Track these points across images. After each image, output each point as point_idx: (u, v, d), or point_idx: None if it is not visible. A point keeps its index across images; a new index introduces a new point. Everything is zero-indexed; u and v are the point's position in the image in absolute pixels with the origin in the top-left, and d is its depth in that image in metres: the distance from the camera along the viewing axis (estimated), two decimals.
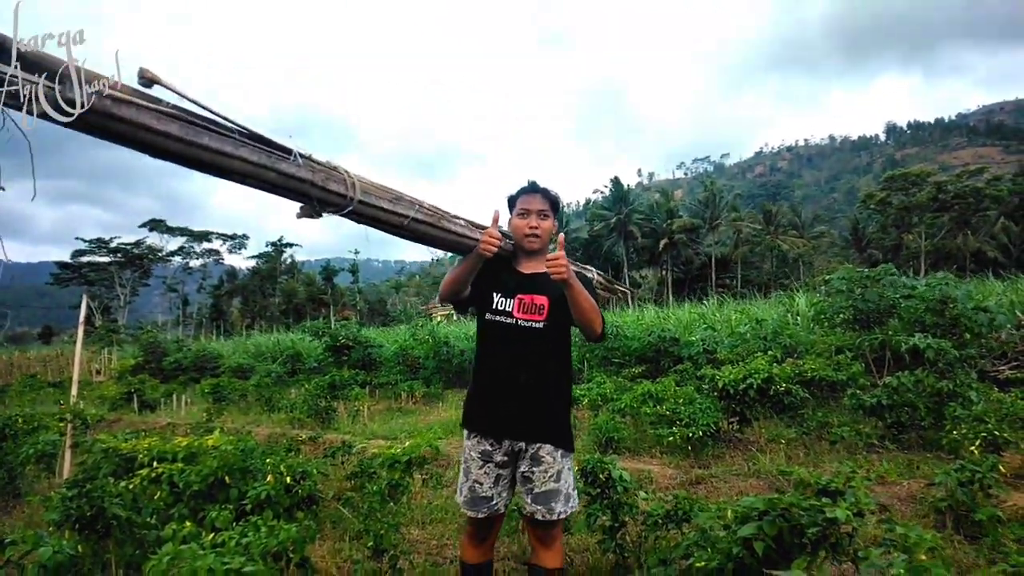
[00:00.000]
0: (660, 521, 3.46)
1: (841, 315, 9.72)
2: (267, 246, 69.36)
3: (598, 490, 3.66)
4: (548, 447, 2.56)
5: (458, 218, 2.67)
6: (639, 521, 3.67)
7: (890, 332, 8.96)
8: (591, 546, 3.88)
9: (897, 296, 9.30)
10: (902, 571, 1.24)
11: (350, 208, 2.21)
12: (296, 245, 70.65)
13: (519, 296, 2.62)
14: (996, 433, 5.18)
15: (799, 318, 12.90)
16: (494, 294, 2.65)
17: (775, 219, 56.64)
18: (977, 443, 5.14)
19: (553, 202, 2.71)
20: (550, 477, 2.55)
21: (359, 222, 2.37)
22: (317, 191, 2.08)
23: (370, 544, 3.31)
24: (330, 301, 60.77)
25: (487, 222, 2.57)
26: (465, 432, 2.71)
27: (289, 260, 69.96)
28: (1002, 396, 6.81)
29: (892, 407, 6.28)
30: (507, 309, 2.62)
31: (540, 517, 2.55)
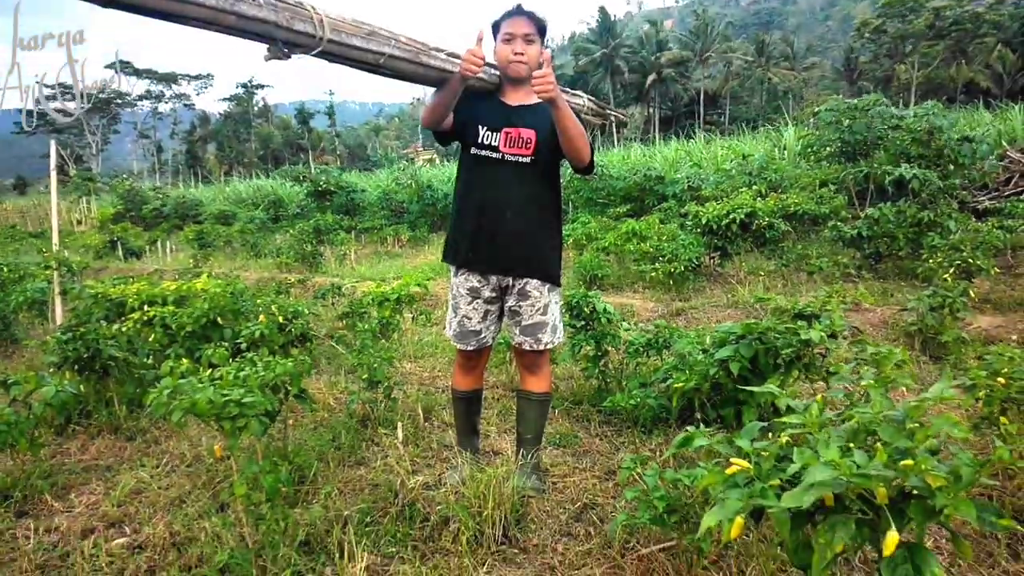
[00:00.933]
0: (641, 349, 3.61)
1: (828, 148, 9.65)
2: (237, 88, 66.37)
3: (583, 323, 3.77)
4: (535, 282, 2.59)
5: (439, 51, 2.48)
6: (621, 350, 3.83)
7: (876, 164, 8.94)
8: (575, 374, 4.07)
9: (884, 127, 9.19)
10: (871, 383, 1.31)
11: (320, 48, 2.06)
12: (267, 86, 67.65)
13: (506, 129, 2.51)
14: (970, 261, 5.33)
15: (786, 153, 12.81)
16: (479, 127, 2.52)
17: (767, 50, 54.47)
18: (951, 270, 5.30)
19: (540, 26, 2.53)
20: (537, 311, 2.60)
21: (332, 61, 2.22)
22: (282, 32, 1.92)
23: (365, 377, 3.44)
24: (308, 146, 59.28)
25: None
26: (452, 268, 2.69)
27: (261, 103, 67.29)
28: (979, 226, 6.94)
29: (871, 238, 6.40)
30: (493, 143, 2.51)
31: (528, 347, 2.63)
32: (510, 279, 2.59)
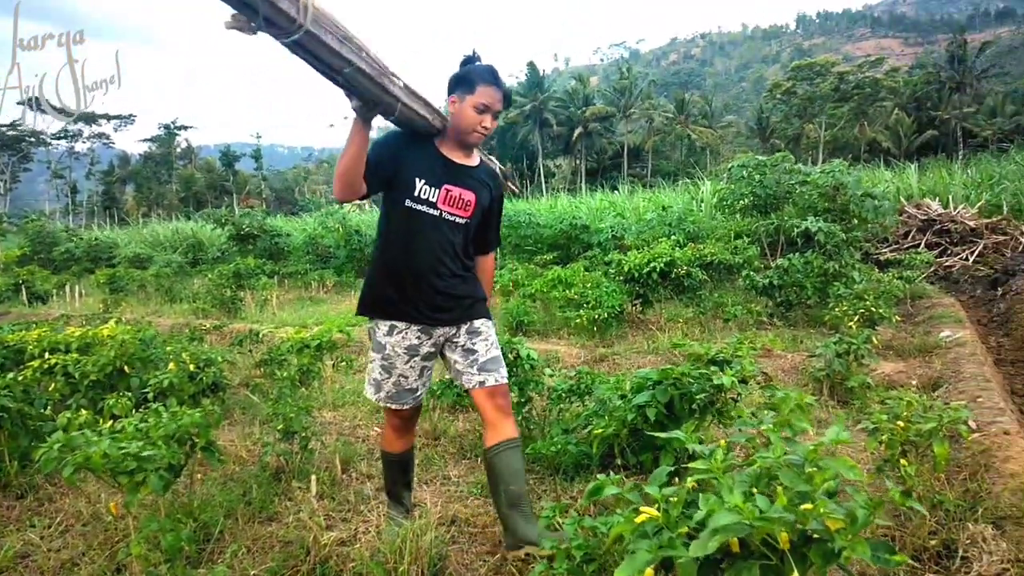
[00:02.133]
0: (564, 395, 3.63)
1: (741, 201, 10.10)
2: (159, 128, 64.57)
3: (506, 369, 3.76)
4: (480, 319, 2.54)
5: (398, 78, 2.35)
6: (545, 396, 3.84)
7: (786, 217, 9.42)
8: None
9: (793, 183, 9.72)
10: (769, 427, 1.35)
11: (294, 36, 1.88)
12: (191, 127, 66.16)
13: (447, 187, 2.42)
14: (872, 309, 5.63)
15: (703, 205, 13.35)
16: (416, 179, 2.38)
17: (686, 108, 57.29)
18: (856, 318, 5.58)
19: (507, 100, 2.48)
20: (492, 344, 2.54)
21: (294, 53, 2.02)
22: (266, 6, 1.76)
23: (280, 427, 3.31)
24: (233, 189, 57.96)
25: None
26: (381, 325, 2.49)
27: (184, 144, 65.61)
28: (881, 276, 7.39)
29: (782, 287, 6.69)
30: (431, 199, 2.40)
31: (494, 381, 2.48)
32: (454, 328, 2.51)
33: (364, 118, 2.19)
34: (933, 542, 2.45)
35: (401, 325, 2.46)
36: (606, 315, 6.52)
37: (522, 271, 8.89)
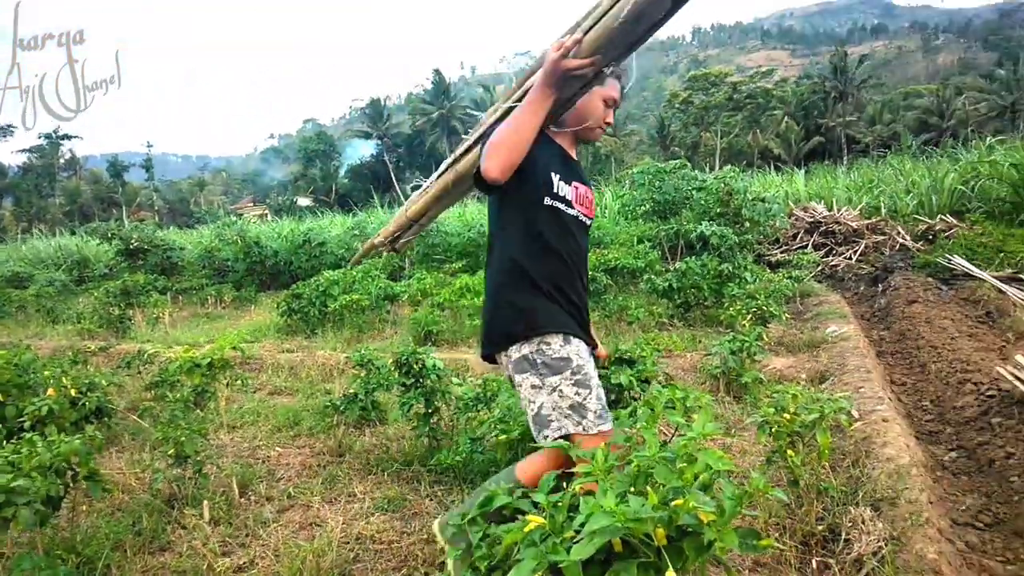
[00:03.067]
0: (471, 403, 3.63)
1: (642, 207, 10.43)
2: (40, 138, 60.35)
3: (412, 379, 3.73)
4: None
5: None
6: (452, 405, 3.82)
7: (684, 222, 9.80)
8: (406, 433, 3.99)
9: (690, 188, 10.12)
10: (643, 425, 1.40)
11: None
12: (76, 137, 62.20)
13: (575, 183, 2.15)
14: (764, 308, 5.92)
15: (607, 211, 13.69)
16: (552, 174, 2.07)
17: None
18: (748, 317, 5.85)
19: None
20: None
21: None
22: None
23: (171, 452, 3.15)
24: (122, 201, 54.88)
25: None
26: (553, 340, 2.02)
27: (69, 155, 61.61)
28: (772, 276, 7.80)
29: (680, 289, 6.95)
30: (568, 198, 2.10)
31: None
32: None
33: (561, 94, 1.92)
34: (820, 527, 2.60)
35: (571, 333, 2.08)
36: None
37: (430, 280, 8.84)
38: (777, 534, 2.58)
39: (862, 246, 10.82)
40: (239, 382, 4.56)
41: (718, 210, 9.80)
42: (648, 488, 1.17)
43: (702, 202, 10.00)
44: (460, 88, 71.71)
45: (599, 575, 1.29)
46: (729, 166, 10.83)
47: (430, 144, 56.81)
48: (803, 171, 18.35)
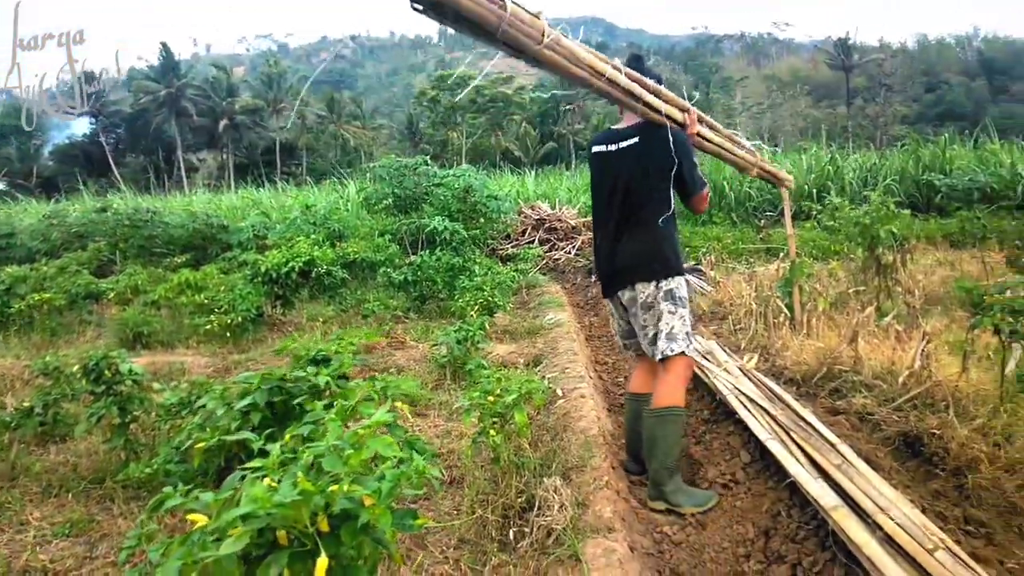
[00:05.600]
0: (174, 409, 3.34)
1: (384, 201, 10.46)
2: None
3: (103, 387, 3.34)
4: None
5: None
6: (153, 413, 3.49)
7: (424, 217, 10.01)
8: (99, 447, 3.57)
9: (430, 184, 10.37)
10: (331, 417, 1.41)
11: None
12: None
13: None
14: (490, 299, 6.27)
15: (350, 204, 13.50)
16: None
17: (337, 107, 57.28)
18: (476, 308, 6.16)
19: None
20: None
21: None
22: None
23: None
24: None
25: None
26: (683, 280, 3.03)
27: None
28: (502, 269, 8.28)
29: (416, 282, 7.09)
30: None
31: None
32: None
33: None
34: (520, 500, 2.82)
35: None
36: (241, 319, 6.20)
37: (143, 276, 7.98)
38: (481, 510, 2.75)
39: (579, 241, 11.92)
40: None
41: (457, 206, 10.16)
42: (299, 475, 1.17)
43: (442, 198, 10.29)
44: (191, 65, 65.36)
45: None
46: (466, 164, 11.29)
47: (156, 125, 51.19)
48: (533, 172, 19.79)
